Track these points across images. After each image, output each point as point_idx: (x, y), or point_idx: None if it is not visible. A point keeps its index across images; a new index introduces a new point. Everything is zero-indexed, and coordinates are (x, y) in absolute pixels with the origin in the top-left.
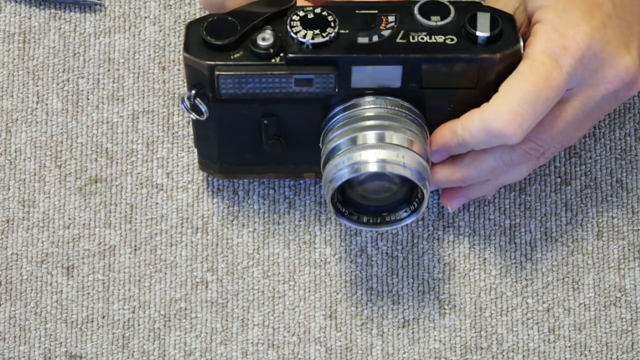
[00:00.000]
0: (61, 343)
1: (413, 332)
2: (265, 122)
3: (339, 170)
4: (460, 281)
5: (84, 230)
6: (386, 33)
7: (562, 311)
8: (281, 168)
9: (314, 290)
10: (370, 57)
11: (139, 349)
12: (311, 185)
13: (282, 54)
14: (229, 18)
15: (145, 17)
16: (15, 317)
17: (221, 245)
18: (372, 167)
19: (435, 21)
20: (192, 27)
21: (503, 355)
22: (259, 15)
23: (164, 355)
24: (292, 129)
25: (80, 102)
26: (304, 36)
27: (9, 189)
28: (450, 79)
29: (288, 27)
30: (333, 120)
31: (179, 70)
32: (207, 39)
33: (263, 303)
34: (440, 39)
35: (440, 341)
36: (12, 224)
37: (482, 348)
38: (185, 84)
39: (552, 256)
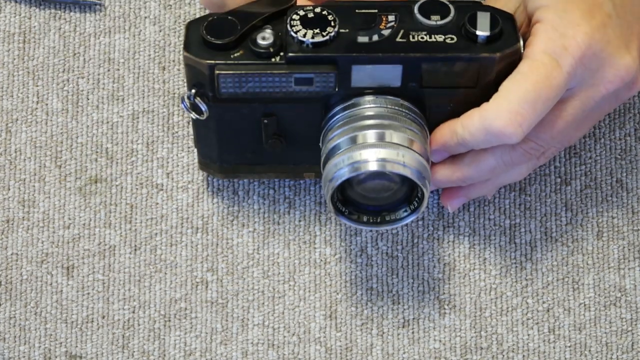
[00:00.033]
0: (61, 343)
1: (413, 332)
2: (265, 121)
3: (339, 169)
4: (460, 281)
5: (84, 230)
6: (386, 32)
7: (562, 311)
8: (281, 168)
9: (314, 290)
10: (370, 57)
11: (139, 349)
12: (311, 185)
13: (282, 53)
14: (229, 17)
15: (145, 17)
16: (15, 317)
17: (221, 245)
18: (372, 166)
19: (435, 20)
20: (192, 27)
21: (503, 355)
22: (259, 14)
23: (164, 355)
24: (292, 129)
25: (80, 102)
26: (304, 35)
27: (9, 189)
28: (450, 78)
29: (288, 26)
30: (333, 120)
31: (179, 70)
32: (207, 38)
33: (263, 303)
34: (440, 38)
35: (440, 341)
36: (12, 224)
37: (482, 348)
38: (185, 84)
39: (552, 256)
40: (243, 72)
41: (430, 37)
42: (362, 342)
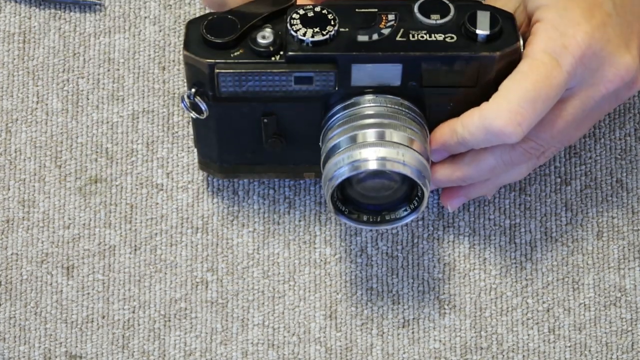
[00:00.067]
0: (61, 343)
1: (413, 332)
2: (265, 120)
3: (338, 168)
4: (460, 281)
5: (84, 230)
6: (386, 31)
7: (562, 311)
8: (281, 168)
9: (314, 290)
10: (370, 55)
11: (139, 349)
12: (311, 185)
13: (282, 52)
14: (229, 16)
15: (145, 17)
16: (15, 317)
17: (221, 245)
18: (372, 165)
19: (435, 19)
20: (192, 26)
21: (503, 355)
22: (258, 13)
23: (164, 355)
24: (292, 128)
25: (80, 102)
26: (304, 34)
27: (9, 189)
28: (450, 77)
29: (288, 25)
30: (333, 119)
31: (179, 70)
32: (207, 37)
33: (263, 303)
34: (440, 37)
35: (440, 341)
36: (12, 224)
37: (482, 348)
38: (185, 84)
39: (552, 256)
40: (243, 71)
41: (430, 36)
42: (362, 342)
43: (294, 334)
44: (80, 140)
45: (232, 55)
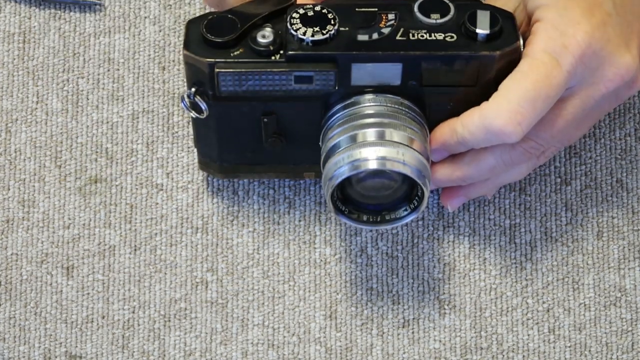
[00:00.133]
0: (61, 343)
1: (413, 332)
2: (265, 120)
3: (338, 167)
4: (460, 281)
5: (84, 230)
6: (386, 31)
7: (562, 311)
8: (281, 167)
9: (314, 290)
10: (370, 55)
11: (139, 349)
12: (311, 185)
13: (282, 52)
14: (229, 16)
15: (145, 17)
16: (15, 317)
17: (221, 245)
18: (372, 165)
19: (435, 19)
20: (192, 25)
21: (503, 355)
22: (258, 13)
23: (164, 355)
24: (292, 127)
25: (80, 102)
26: (304, 33)
27: (9, 189)
28: (450, 76)
29: (288, 24)
30: (333, 118)
31: (179, 70)
32: (207, 36)
33: (263, 303)
34: (440, 36)
35: (440, 341)
36: (12, 224)
37: (482, 348)
38: (185, 83)
39: (552, 256)
40: (243, 70)
41: (430, 36)
42: (362, 342)
43: (294, 334)
44: (80, 140)
45: (232, 54)
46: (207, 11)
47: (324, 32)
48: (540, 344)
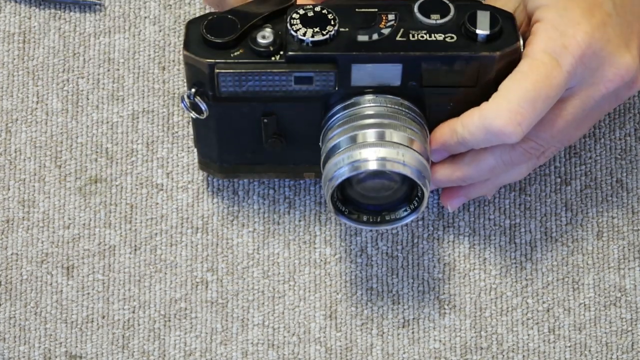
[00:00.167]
0: (61, 343)
1: (413, 332)
2: (265, 120)
3: (338, 168)
4: (460, 281)
5: (84, 230)
6: (386, 31)
7: (562, 311)
8: (281, 168)
9: (314, 290)
10: (370, 55)
11: (139, 349)
12: (311, 185)
13: (282, 52)
14: (229, 16)
15: (145, 17)
16: (15, 317)
17: (221, 245)
18: (372, 165)
19: (435, 19)
20: (192, 26)
21: (503, 355)
22: (258, 13)
23: (164, 355)
24: (292, 128)
25: (80, 102)
26: (304, 34)
27: (9, 189)
28: (450, 77)
29: (288, 25)
30: (333, 119)
31: (179, 70)
32: (207, 37)
33: (263, 303)
34: (440, 37)
35: (440, 341)
36: (12, 224)
37: (482, 348)
38: (185, 84)
39: (552, 256)
40: (243, 71)
41: (430, 36)
42: (362, 342)
43: (294, 334)
44: (80, 140)
45: (232, 55)
46: (207, 11)
47: (324, 32)
48: (540, 344)
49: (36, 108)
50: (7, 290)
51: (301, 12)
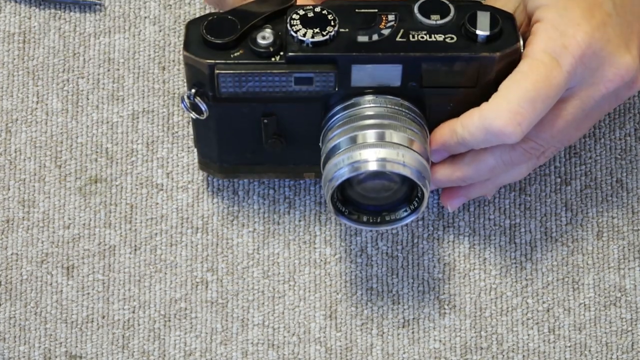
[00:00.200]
0: (61, 343)
1: (413, 332)
2: (265, 121)
3: (338, 169)
4: (460, 281)
5: (84, 230)
6: (386, 32)
7: (562, 311)
8: (281, 168)
9: (314, 290)
10: (370, 56)
11: (139, 349)
12: (311, 185)
13: (282, 53)
14: (229, 17)
15: (145, 17)
16: (15, 317)
17: (221, 245)
18: (372, 166)
19: (435, 20)
20: (192, 26)
21: (503, 355)
22: (258, 14)
23: (164, 355)
24: (292, 128)
25: (80, 102)
26: (304, 35)
27: (9, 189)
28: (450, 77)
29: (288, 25)
30: (333, 119)
31: (179, 70)
32: (207, 37)
33: (263, 303)
34: (440, 37)
35: (440, 341)
36: (12, 224)
37: (482, 348)
38: (185, 84)
39: (552, 256)
40: (243, 71)
41: (430, 37)
42: (362, 342)
43: (294, 334)
44: (80, 140)
45: (232, 55)
46: (207, 12)
47: (324, 33)
48: (540, 344)
49: (36, 108)
50: (7, 290)
51: (301, 12)
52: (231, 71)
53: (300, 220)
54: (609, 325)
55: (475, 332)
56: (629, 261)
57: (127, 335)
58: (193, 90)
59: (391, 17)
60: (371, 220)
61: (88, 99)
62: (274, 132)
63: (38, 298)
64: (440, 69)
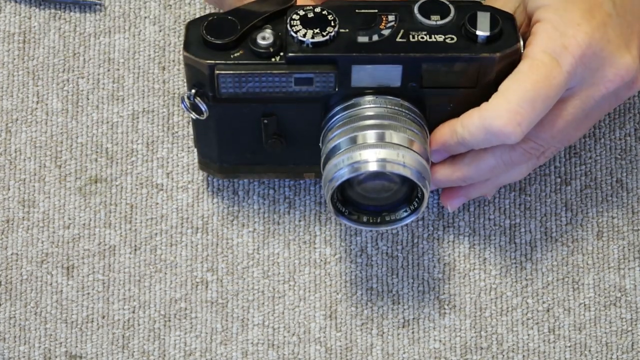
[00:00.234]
0: (61, 343)
1: (413, 332)
2: (265, 121)
3: (338, 169)
4: (460, 281)
5: (84, 230)
6: (386, 32)
7: (562, 311)
8: (281, 168)
9: (314, 290)
10: (370, 56)
11: (139, 349)
12: (311, 185)
13: (282, 53)
14: (229, 17)
15: (145, 17)
16: (15, 317)
17: (221, 245)
18: (372, 167)
19: (435, 20)
20: (192, 27)
21: (503, 355)
22: (259, 14)
23: (164, 355)
24: (292, 129)
25: (80, 102)
26: (304, 35)
27: (9, 189)
28: (450, 78)
29: (288, 26)
30: (333, 120)
31: (179, 70)
32: (207, 38)
33: (263, 303)
34: (440, 38)
35: (440, 341)
36: (12, 224)
37: (482, 348)
38: (185, 84)
39: (552, 256)
40: (243, 72)
41: (430, 37)
42: (362, 342)
43: (294, 334)
44: (80, 140)
45: (232, 56)
46: (207, 12)
47: (324, 33)
48: (540, 344)
49: (36, 108)
50: (7, 290)
51: (301, 13)
52: (231, 71)
53: (300, 220)
54: (609, 325)
55: (475, 332)
56: (629, 261)
57: (127, 335)
58: (193, 91)
59: (391, 17)
60: (371, 221)
61: (88, 99)
62: (274, 133)
63: (38, 298)
64: (441, 69)
